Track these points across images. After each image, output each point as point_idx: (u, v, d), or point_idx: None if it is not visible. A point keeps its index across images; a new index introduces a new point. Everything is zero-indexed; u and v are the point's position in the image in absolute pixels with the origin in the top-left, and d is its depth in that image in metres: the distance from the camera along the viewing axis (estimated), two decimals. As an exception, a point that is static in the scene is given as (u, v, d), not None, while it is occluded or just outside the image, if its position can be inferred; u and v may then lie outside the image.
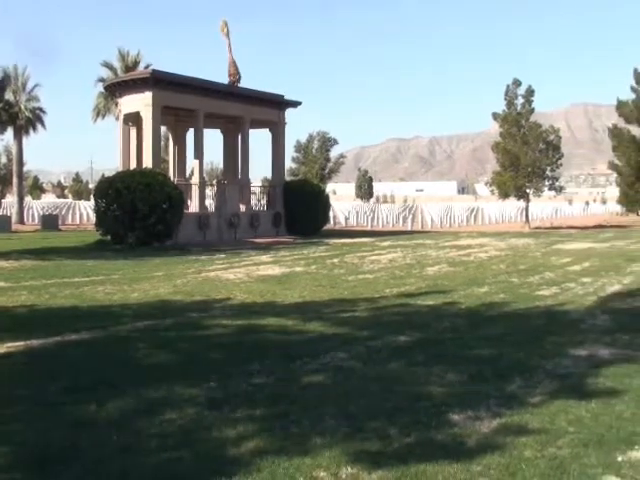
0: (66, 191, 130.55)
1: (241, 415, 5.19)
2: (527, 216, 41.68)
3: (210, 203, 31.40)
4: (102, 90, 37.46)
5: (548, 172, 39.51)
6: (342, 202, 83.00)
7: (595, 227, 40.60)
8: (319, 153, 57.02)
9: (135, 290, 12.57)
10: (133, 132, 28.11)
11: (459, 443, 4.62)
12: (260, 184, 40.79)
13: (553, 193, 42.03)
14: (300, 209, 31.05)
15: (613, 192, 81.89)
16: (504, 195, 39.99)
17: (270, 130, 32.80)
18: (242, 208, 30.22)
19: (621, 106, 39.59)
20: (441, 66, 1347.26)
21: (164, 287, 13.05)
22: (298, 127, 48.80)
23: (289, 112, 33.19)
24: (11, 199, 58.62)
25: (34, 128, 43.53)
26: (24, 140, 43.59)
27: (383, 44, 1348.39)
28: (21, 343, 7.85)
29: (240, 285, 13.41)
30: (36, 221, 44.15)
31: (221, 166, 40.85)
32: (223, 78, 30.40)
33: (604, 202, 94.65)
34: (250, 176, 31.81)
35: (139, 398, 5.66)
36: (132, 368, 6.72)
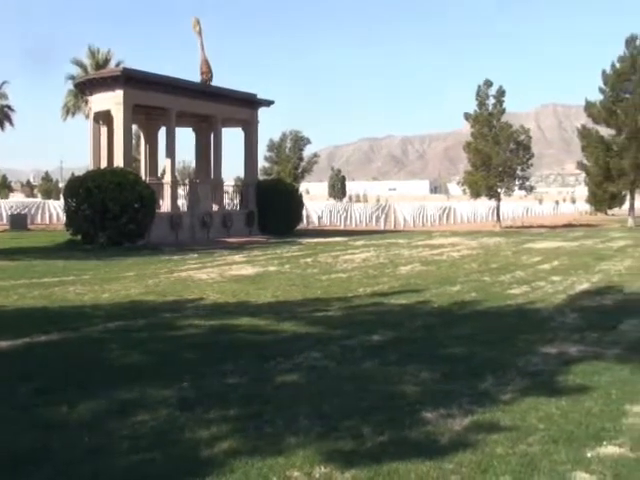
0: (35, 190, 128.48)
1: (214, 415, 5.17)
2: (498, 215, 42.14)
3: (182, 203, 31.16)
4: (72, 88, 37.02)
5: (519, 172, 40.04)
6: (315, 201, 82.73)
7: (565, 226, 41.21)
8: (292, 152, 56.85)
9: (106, 290, 12.43)
10: (104, 130, 27.78)
11: (432, 441, 4.65)
12: (233, 183, 40.66)
13: (524, 193, 42.70)
14: (273, 208, 30.98)
15: (582, 192, 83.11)
16: (476, 194, 40.42)
17: (243, 129, 32.70)
18: (215, 208, 30.09)
19: (589, 107, 40.14)
20: (412, 65, 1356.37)
21: (136, 287, 12.93)
22: (271, 126, 48.73)
23: (262, 111, 33.19)
24: (-22, 198, 57.57)
25: (2, 126, 42.90)
26: (-8, 138, 42.99)
27: (353, 44, 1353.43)
28: (-11, 345, 7.71)
29: (213, 285, 13.35)
30: (4, 221, 43.30)
31: (193, 165, 40.59)
32: (195, 76, 30.30)
33: (573, 201, 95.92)
34: (223, 175, 31.72)
35: (111, 399, 5.60)
36: (104, 369, 6.64)
